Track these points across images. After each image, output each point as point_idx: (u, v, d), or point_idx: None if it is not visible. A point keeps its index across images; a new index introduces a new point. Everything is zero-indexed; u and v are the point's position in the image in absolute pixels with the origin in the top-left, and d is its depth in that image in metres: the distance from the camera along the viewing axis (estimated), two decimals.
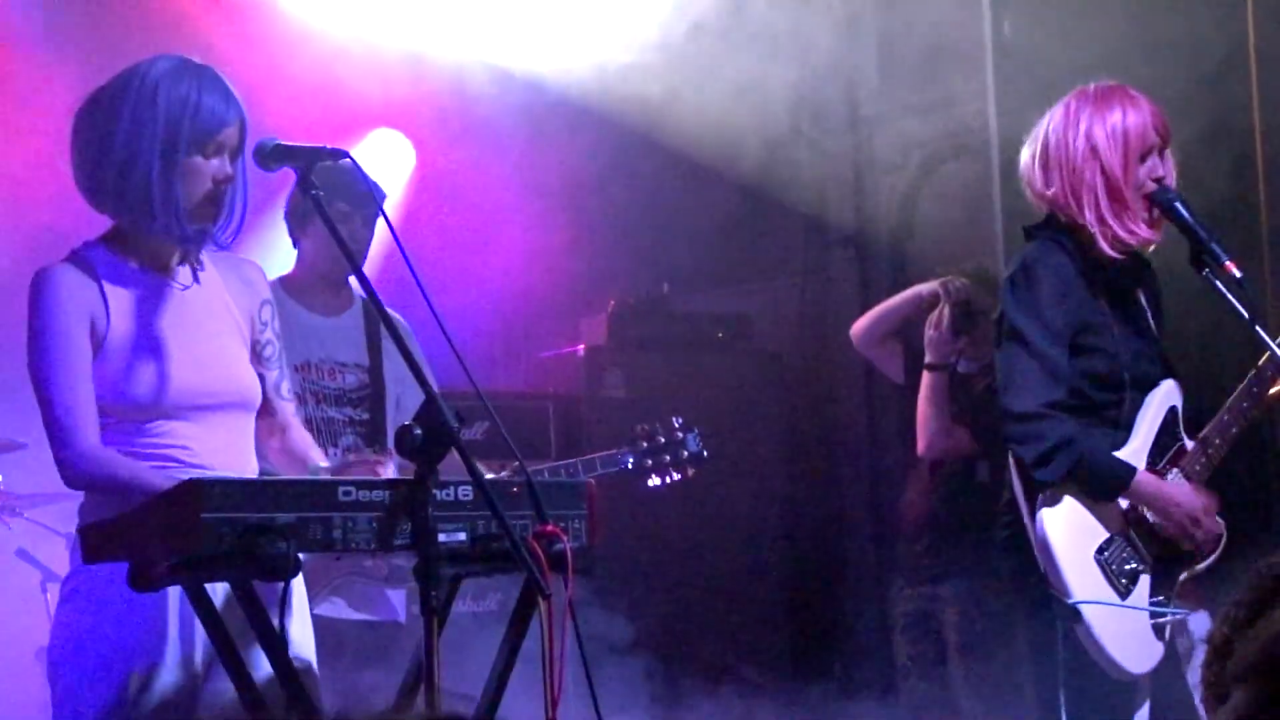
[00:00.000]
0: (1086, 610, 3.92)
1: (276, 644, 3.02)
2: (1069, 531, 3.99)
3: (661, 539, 6.72)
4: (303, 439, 3.72)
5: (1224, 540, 4.11)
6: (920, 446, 5.81)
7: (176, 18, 6.50)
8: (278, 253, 5.21)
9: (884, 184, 7.61)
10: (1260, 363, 4.05)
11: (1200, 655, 2.20)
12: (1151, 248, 4.18)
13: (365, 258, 4.96)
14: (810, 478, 7.52)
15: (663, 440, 5.46)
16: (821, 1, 7.06)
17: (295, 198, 5.01)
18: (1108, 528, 4.04)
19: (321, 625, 3.87)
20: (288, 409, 3.72)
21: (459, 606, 3.63)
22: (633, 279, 7.49)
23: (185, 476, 3.35)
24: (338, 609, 4.86)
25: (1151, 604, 4.02)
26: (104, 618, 3.37)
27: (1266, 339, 4.00)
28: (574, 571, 3.01)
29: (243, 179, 3.52)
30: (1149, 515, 4.06)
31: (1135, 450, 4.08)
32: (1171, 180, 4.13)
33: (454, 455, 3.01)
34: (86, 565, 3.17)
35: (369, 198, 4.71)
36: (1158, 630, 4.01)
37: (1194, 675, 4.19)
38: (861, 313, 6.25)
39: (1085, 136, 4.06)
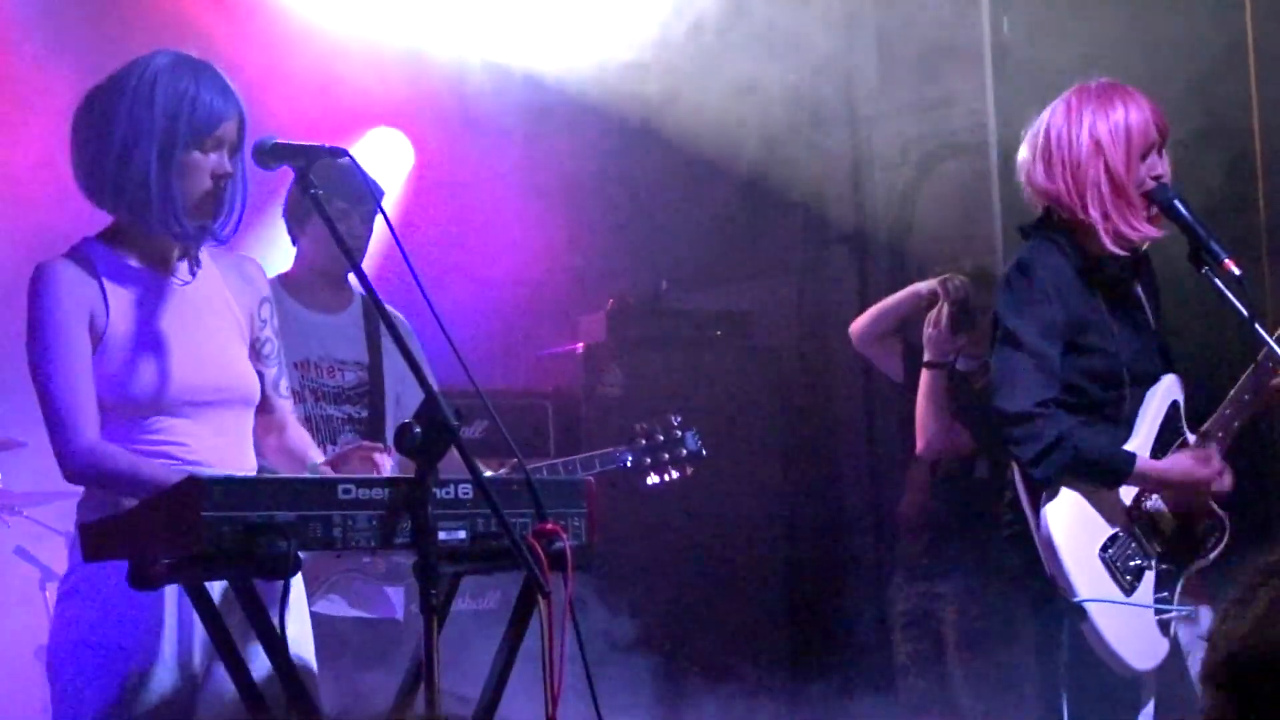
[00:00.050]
0: (1092, 608, 3.92)
1: (276, 643, 3.02)
2: (1073, 529, 4.00)
3: (660, 537, 6.72)
4: (300, 437, 3.73)
5: (1227, 534, 4.12)
6: (919, 445, 5.81)
7: (177, 16, 6.50)
8: (277, 251, 5.22)
9: (883, 182, 7.61)
10: (1260, 356, 4.06)
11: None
12: (1147, 244, 4.19)
13: (364, 256, 4.97)
14: (809, 476, 7.52)
15: (661, 438, 5.47)
16: (821, 0, 7.06)
17: (294, 196, 5.01)
18: (1111, 524, 4.05)
19: (319, 623, 3.87)
20: (286, 406, 3.73)
21: (458, 604, 3.62)
22: (632, 277, 7.50)
23: (185, 471, 3.37)
24: (336, 606, 4.86)
25: (1156, 600, 4.03)
26: (103, 616, 3.37)
27: (1266, 338, 4.00)
28: (574, 569, 3.01)
29: (242, 175, 3.52)
30: (1149, 508, 4.07)
31: (1138, 446, 4.08)
32: (1168, 178, 4.14)
33: (453, 453, 3.02)
34: (85, 563, 3.17)
35: (367, 196, 4.71)
36: (1162, 626, 4.02)
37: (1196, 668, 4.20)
38: (860, 311, 6.24)
39: (1089, 133, 4.06)
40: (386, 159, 7.42)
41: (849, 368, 7.39)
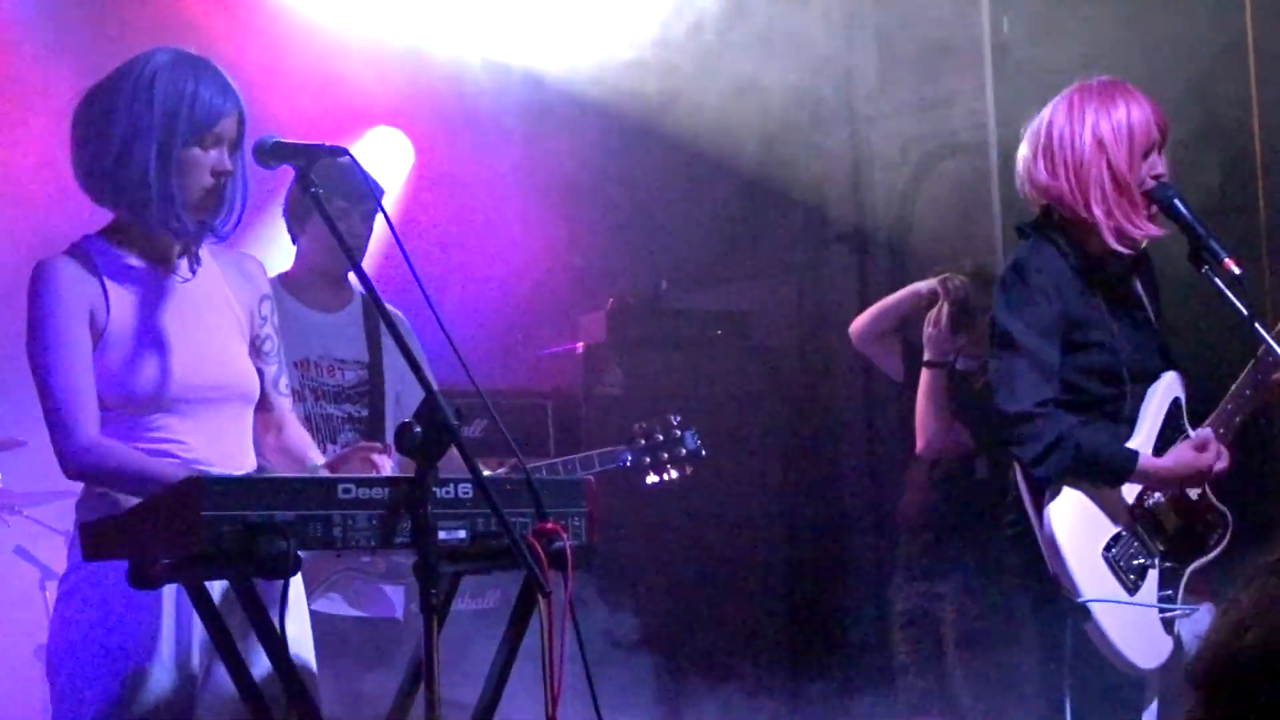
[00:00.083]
0: (1095, 607, 3.92)
1: (276, 643, 3.02)
2: (1076, 529, 4.00)
3: (660, 537, 6.73)
4: (300, 436, 3.73)
5: (1230, 530, 4.12)
6: (919, 444, 5.81)
7: (177, 16, 6.51)
8: (277, 250, 5.21)
9: (882, 181, 7.62)
10: (1260, 352, 4.06)
11: None
12: (1146, 242, 4.19)
13: (363, 255, 4.96)
14: (809, 475, 7.52)
15: (661, 438, 5.47)
16: (820, 0, 7.07)
17: (294, 195, 5.00)
18: (1114, 523, 4.05)
19: (319, 622, 3.87)
20: (285, 404, 3.73)
21: (458, 604, 3.62)
22: (631, 276, 7.50)
23: (185, 467, 3.37)
24: (335, 605, 4.85)
25: (1160, 598, 4.03)
26: (102, 616, 3.37)
27: (1266, 337, 4.01)
28: (573, 569, 3.01)
29: (242, 172, 3.52)
30: (1152, 506, 4.07)
31: (1140, 444, 4.08)
32: (1167, 178, 4.14)
33: (452, 453, 3.02)
34: (85, 563, 3.17)
35: (367, 195, 4.71)
36: (1166, 625, 4.02)
37: None
38: (860, 310, 6.25)
39: (1092, 131, 4.06)
40: (386, 158, 7.43)
41: (849, 367, 7.39)
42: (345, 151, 3.33)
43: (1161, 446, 4.11)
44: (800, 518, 7.38)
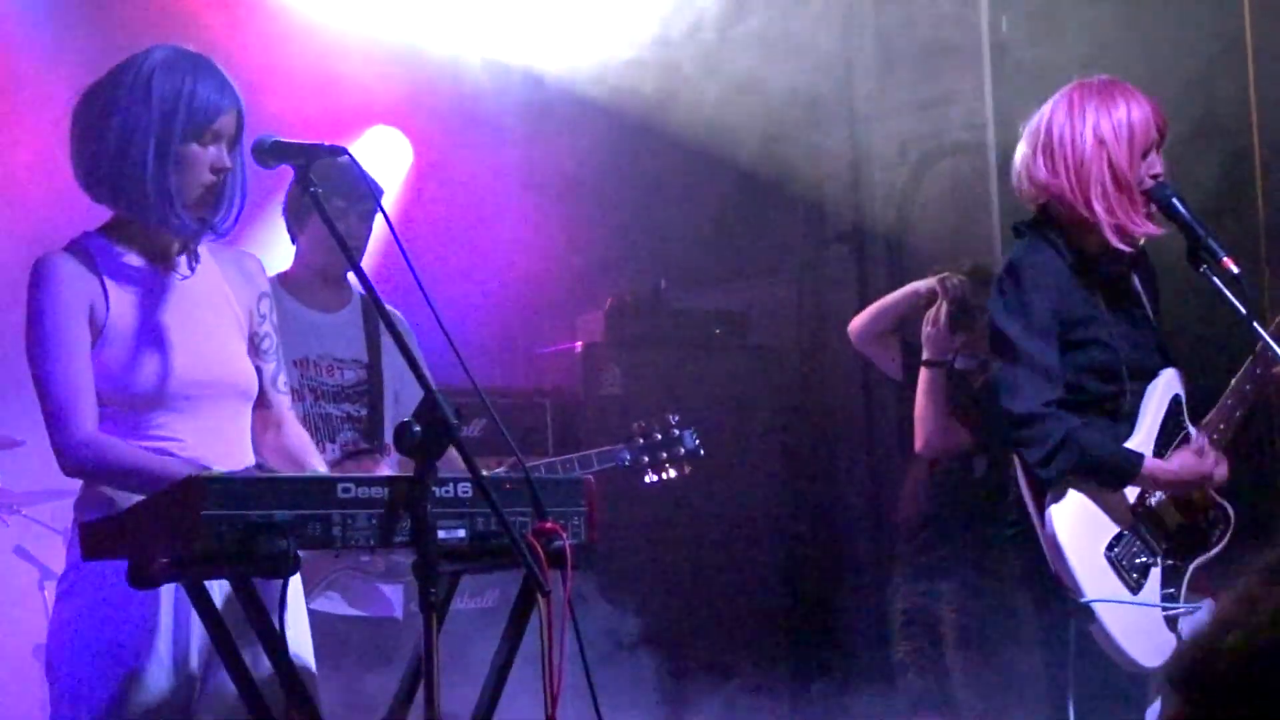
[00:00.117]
0: (1099, 607, 3.92)
1: (276, 643, 3.02)
2: (1078, 529, 4.00)
3: (658, 536, 6.73)
4: (299, 439, 3.72)
5: (1232, 525, 4.13)
6: (918, 443, 5.81)
7: (176, 15, 6.50)
8: (277, 250, 5.21)
9: (881, 181, 7.62)
10: (1258, 348, 4.07)
11: None
12: (1143, 240, 4.20)
13: (362, 255, 4.96)
14: (808, 475, 7.53)
15: (659, 437, 5.47)
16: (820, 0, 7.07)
17: (293, 194, 5.01)
18: (1117, 522, 4.05)
19: (319, 621, 3.87)
20: (284, 402, 3.73)
21: (457, 603, 3.62)
22: (630, 276, 7.50)
23: (183, 462, 3.37)
24: (334, 604, 4.86)
25: (1163, 596, 4.03)
26: (101, 615, 3.37)
27: (1265, 336, 4.01)
28: (573, 568, 3.01)
29: (241, 169, 3.52)
30: (1153, 504, 4.07)
31: (1141, 442, 4.09)
32: (1164, 177, 4.14)
33: (450, 452, 3.02)
34: (84, 562, 3.16)
35: (366, 195, 4.71)
36: (1170, 623, 4.02)
37: None
38: (859, 309, 6.24)
39: (1093, 130, 4.07)
40: (385, 157, 7.42)
41: (848, 366, 7.39)
42: (344, 151, 3.32)
43: (1162, 443, 4.11)
44: (799, 517, 7.38)
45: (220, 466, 3.43)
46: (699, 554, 6.89)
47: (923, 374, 5.78)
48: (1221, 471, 4.12)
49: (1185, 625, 4.09)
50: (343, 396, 5.03)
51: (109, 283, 3.46)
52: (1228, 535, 4.11)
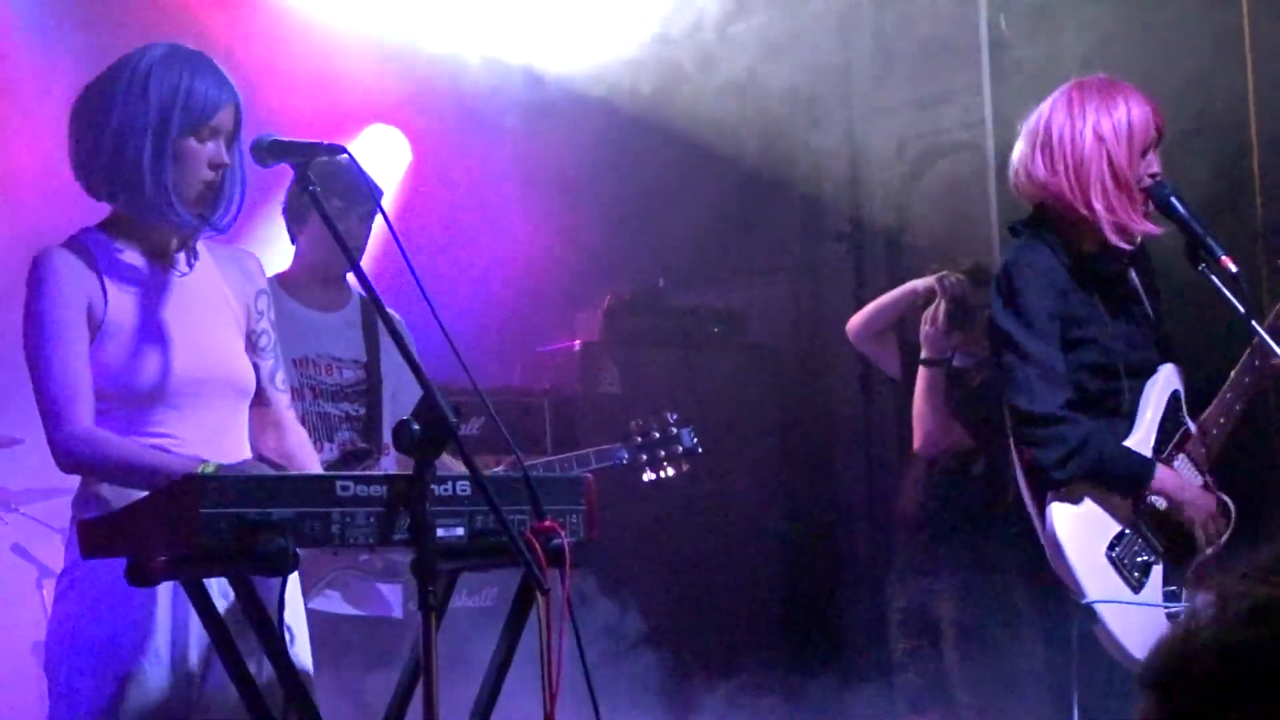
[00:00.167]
0: (1101, 608, 3.92)
1: (276, 642, 3.02)
2: (1079, 529, 4.00)
3: (656, 534, 6.73)
4: (299, 444, 3.69)
5: (1232, 525, 4.13)
6: (917, 442, 5.82)
7: (176, 14, 6.50)
8: (276, 249, 5.21)
9: (880, 179, 7.62)
10: (1255, 341, 4.07)
11: None
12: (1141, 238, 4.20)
13: (362, 255, 4.96)
14: (806, 473, 7.53)
15: (658, 435, 5.47)
16: None
17: (293, 194, 5.00)
18: (1118, 520, 4.05)
19: (318, 620, 3.87)
20: (282, 400, 3.71)
21: (456, 602, 3.62)
22: (628, 274, 7.50)
23: (181, 455, 3.37)
24: (333, 603, 4.85)
25: (1165, 594, 4.03)
26: (99, 613, 3.36)
27: (1264, 335, 4.01)
28: (571, 566, 3.01)
29: (240, 165, 3.52)
30: (1154, 501, 4.08)
31: (1141, 438, 4.09)
32: (1162, 176, 4.15)
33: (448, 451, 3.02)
34: (82, 560, 3.16)
35: (365, 195, 4.70)
36: (1172, 620, 4.02)
37: None
38: (857, 308, 6.25)
39: (1092, 128, 4.07)
40: (383, 156, 7.42)
41: (846, 365, 7.40)
42: (343, 149, 3.32)
43: (1162, 439, 4.12)
44: (797, 515, 7.38)
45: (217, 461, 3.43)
46: (697, 552, 6.90)
47: (921, 373, 5.79)
48: (1220, 527, 4.12)
49: None
50: (341, 396, 5.03)
51: (107, 279, 3.46)
52: (1228, 531, 4.11)
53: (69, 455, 3.38)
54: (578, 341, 7.10)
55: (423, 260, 3.33)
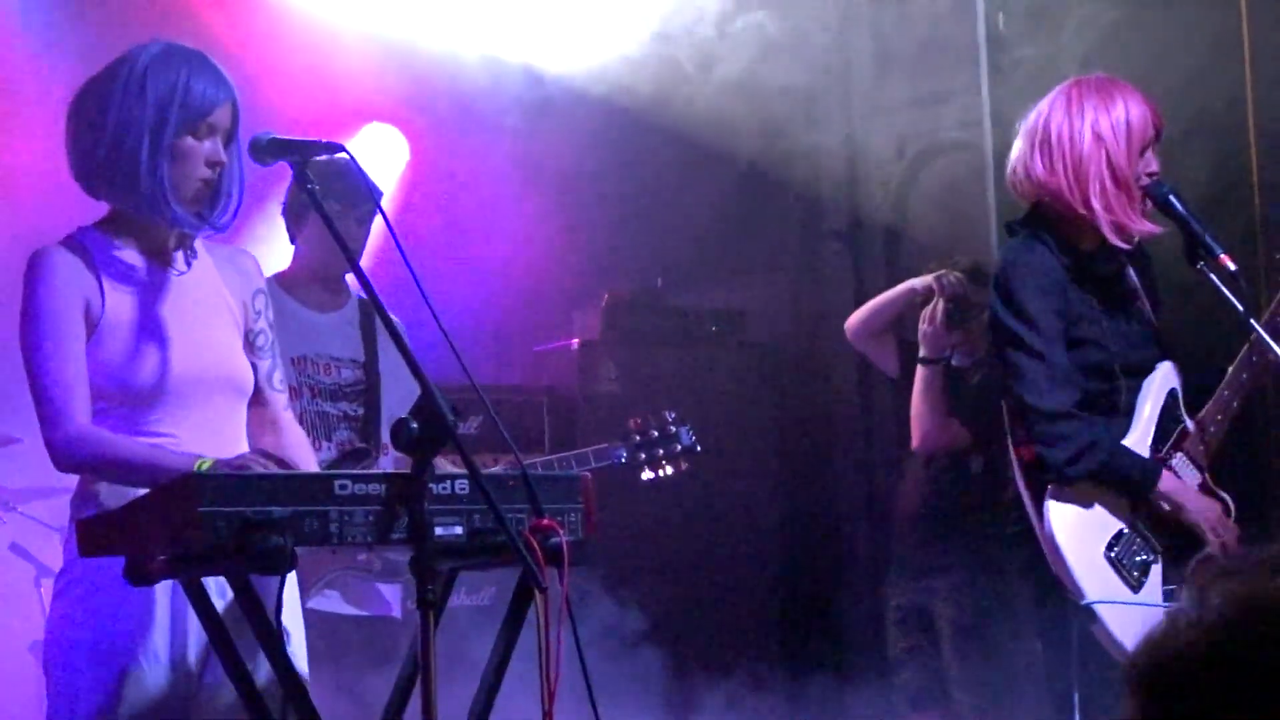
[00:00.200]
0: (1101, 609, 3.92)
1: (274, 640, 3.02)
2: (1077, 529, 3.99)
3: (655, 533, 6.72)
4: (297, 443, 3.69)
5: (1232, 517, 4.12)
6: (915, 441, 5.82)
7: (175, 13, 6.49)
8: (275, 249, 5.21)
9: (878, 178, 7.62)
10: (1252, 338, 4.07)
11: None
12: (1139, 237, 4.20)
13: (360, 256, 4.95)
14: (804, 472, 7.53)
15: (656, 434, 5.47)
16: None
17: (293, 193, 5.00)
18: (1117, 519, 4.04)
19: (317, 619, 3.87)
20: (280, 400, 3.71)
21: (454, 600, 3.62)
22: (627, 273, 7.49)
23: (179, 452, 3.37)
24: (332, 603, 4.85)
25: (1164, 592, 4.02)
26: (97, 612, 3.36)
27: (1264, 334, 4.00)
28: (570, 565, 3.01)
29: (238, 164, 3.52)
30: (1163, 507, 4.07)
31: (1139, 437, 4.09)
32: (1160, 176, 4.14)
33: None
34: (80, 559, 3.17)
35: (365, 198, 4.70)
36: None
37: None
38: (855, 307, 6.25)
39: (1091, 127, 4.06)
40: (382, 155, 7.41)
41: (844, 364, 7.40)
42: (342, 148, 3.31)
43: (1160, 438, 4.12)
44: (796, 514, 7.38)
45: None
46: (695, 551, 6.89)
47: (919, 371, 5.79)
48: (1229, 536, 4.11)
49: None
50: (339, 395, 5.03)
51: (105, 277, 3.46)
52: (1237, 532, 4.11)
53: (66, 454, 3.38)
54: (576, 340, 7.10)
55: (421, 258, 3.33)
